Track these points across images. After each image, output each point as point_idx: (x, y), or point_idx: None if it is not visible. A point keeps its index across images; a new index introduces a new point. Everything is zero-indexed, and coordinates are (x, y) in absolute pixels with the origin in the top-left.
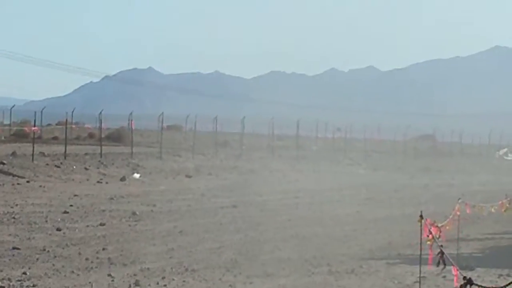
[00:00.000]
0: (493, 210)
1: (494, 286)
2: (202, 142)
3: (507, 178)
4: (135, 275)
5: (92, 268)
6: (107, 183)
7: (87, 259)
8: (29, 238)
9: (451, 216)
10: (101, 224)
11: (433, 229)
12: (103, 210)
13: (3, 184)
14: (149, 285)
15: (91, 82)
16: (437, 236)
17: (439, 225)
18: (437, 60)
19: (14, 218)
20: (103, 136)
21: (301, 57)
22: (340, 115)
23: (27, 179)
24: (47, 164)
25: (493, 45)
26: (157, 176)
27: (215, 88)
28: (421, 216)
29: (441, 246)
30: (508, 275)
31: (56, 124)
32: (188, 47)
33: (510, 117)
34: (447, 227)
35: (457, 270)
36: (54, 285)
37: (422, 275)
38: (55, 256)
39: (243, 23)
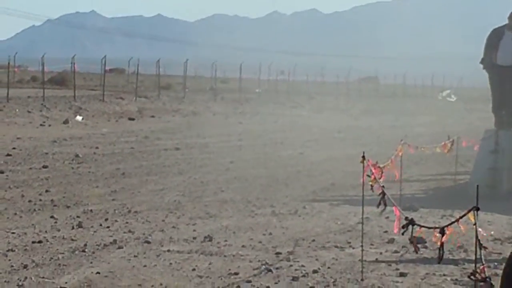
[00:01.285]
0: (434, 151)
1: (436, 226)
2: (145, 85)
3: (450, 119)
4: (78, 217)
5: (35, 210)
6: (50, 126)
7: (30, 201)
8: None
9: (393, 157)
10: (44, 167)
11: (375, 170)
12: (46, 153)
13: None
14: (92, 226)
15: (33, 26)
16: (379, 177)
17: (381, 166)
18: (380, 2)
19: None
20: (45, 79)
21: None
22: (283, 58)
23: None
24: None
25: None
26: (100, 119)
27: (158, 31)
28: (363, 157)
29: (383, 187)
30: (451, 215)
31: None
32: None
33: (453, 59)
34: (389, 168)
35: (399, 210)
36: None
37: (365, 215)
38: None
39: None
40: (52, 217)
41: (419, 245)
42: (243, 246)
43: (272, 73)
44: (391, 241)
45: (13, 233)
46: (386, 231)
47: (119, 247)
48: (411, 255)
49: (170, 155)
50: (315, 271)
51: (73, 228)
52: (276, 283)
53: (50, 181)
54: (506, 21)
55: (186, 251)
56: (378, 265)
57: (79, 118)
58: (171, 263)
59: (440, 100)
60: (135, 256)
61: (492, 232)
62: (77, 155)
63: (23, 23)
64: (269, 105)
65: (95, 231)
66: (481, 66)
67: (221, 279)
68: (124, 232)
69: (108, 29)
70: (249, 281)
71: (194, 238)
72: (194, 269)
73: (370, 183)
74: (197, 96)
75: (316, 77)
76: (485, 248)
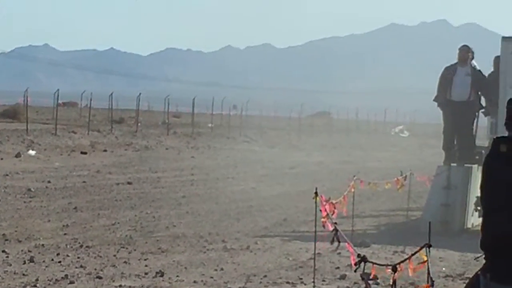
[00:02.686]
0: (386, 187)
1: (388, 263)
2: (97, 119)
3: (403, 155)
4: (29, 251)
5: None
6: (1, 159)
7: None
8: None
9: (345, 193)
10: None
11: (327, 206)
12: None
13: None
14: (44, 261)
15: None
16: (331, 213)
17: (334, 201)
18: (334, 37)
19: None
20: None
21: (197, 34)
22: (236, 92)
23: None
24: None
25: (388, 23)
26: (52, 153)
27: (111, 65)
28: (316, 193)
29: (335, 223)
30: (402, 252)
31: None
32: (84, 24)
33: (406, 95)
34: (342, 204)
35: (351, 247)
36: None
37: (317, 251)
38: None
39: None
40: (3, 251)
41: (370, 282)
42: (194, 281)
43: (225, 108)
44: (343, 277)
45: None
46: (338, 267)
47: (71, 282)
48: None
49: (122, 190)
50: None
51: (24, 263)
52: None
53: (2, 215)
54: (456, 56)
55: (138, 286)
56: None
57: (32, 152)
58: None
59: (393, 136)
60: None
61: (444, 269)
62: (29, 189)
63: None
64: (221, 139)
65: (46, 266)
66: (435, 103)
67: None
68: (76, 267)
69: (61, 62)
70: None
71: (146, 273)
72: None
73: (322, 219)
74: (150, 130)
75: (269, 112)
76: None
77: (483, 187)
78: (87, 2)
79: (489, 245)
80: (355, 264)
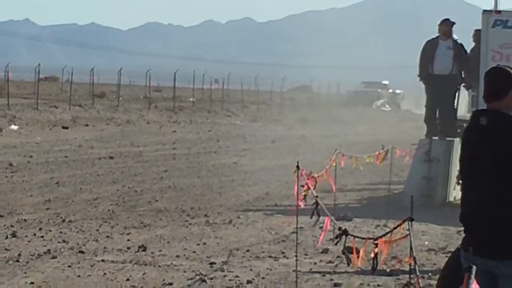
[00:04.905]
0: (368, 161)
1: (370, 237)
2: (78, 93)
3: (384, 129)
4: (12, 226)
5: None
6: None
7: None
8: None
9: (327, 167)
10: None
11: (309, 180)
12: None
13: None
14: (26, 236)
15: None
16: (313, 187)
17: (315, 175)
18: (313, 11)
19: None
20: None
21: (177, 8)
22: (217, 67)
23: None
24: None
25: None
26: (34, 128)
27: (91, 39)
28: (297, 167)
29: (316, 197)
30: (385, 225)
31: None
32: None
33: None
34: (324, 178)
35: (331, 220)
36: None
37: (299, 226)
38: None
39: None
40: None
41: (351, 256)
42: (177, 256)
43: (206, 82)
44: (325, 251)
45: None
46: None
47: (53, 257)
48: (346, 265)
49: (104, 164)
50: (249, 282)
51: (7, 237)
52: None
53: None
54: (437, 30)
55: (120, 261)
56: (313, 276)
57: (14, 127)
58: (105, 273)
59: (374, 110)
60: (69, 266)
61: (426, 242)
62: (11, 164)
63: None
64: (203, 114)
65: (29, 241)
66: (418, 78)
67: None
68: (58, 242)
69: (42, 37)
70: None
71: (128, 248)
72: (128, 279)
73: (304, 193)
74: (131, 105)
75: (250, 86)
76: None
77: (461, 160)
78: None
79: (467, 217)
80: (336, 237)
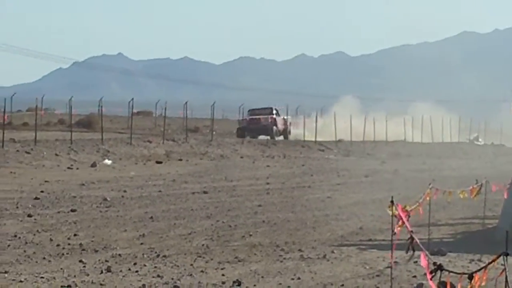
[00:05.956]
0: (461, 196)
1: (465, 272)
2: (172, 128)
3: (477, 163)
4: (106, 261)
5: (63, 254)
6: (77, 169)
7: (58, 245)
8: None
9: (421, 201)
10: (72, 210)
11: (403, 215)
12: (74, 196)
13: None
14: (121, 271)
15: (60, 68)
16: (407, 222)
17: (409, 209)
18: (405, 46)
19: None
20: (73, 122)
21: (270, 42)
22: (310, 101)
23: None
24: (17, 151)
25: (461, 31)
26: (128, 162)
27: (184, 73)
28: (391, 202)
29: (411, 231)
30: (479, 260)
31: (26, 111)
32: (158, 33)
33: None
34: (420, 211)
35: (426, 256)
36: (26, 271)
37: (394, 260)
38: (26, 243)
39: (212, 9)
40: (80, 261)
41: None
42: None
43: (299, 116)
44: (420, 286)
45: (42, 277)
46: (414, 276)
47: None
48: None
49: (197, 199)
50: None
51: (101, 272)
52: None
53: (79, 225)
54: None
55: None
56: None
57: (107, 161)
58: None
59: (467, 144)
60: None
61: None
62: (105, 199)
63: (51, 66)
64: (296, 148)
65: (124, 276)
66: (509, 112)
67: None
68: (153, 277)
69: (135, 72)
70: None
71: (223, 282)
72: None
73: (399, 228)
74: (225, 139)
75: (343, 119)
76: None
77: None
78: (161, 12)
79: None
80: (431, 272)
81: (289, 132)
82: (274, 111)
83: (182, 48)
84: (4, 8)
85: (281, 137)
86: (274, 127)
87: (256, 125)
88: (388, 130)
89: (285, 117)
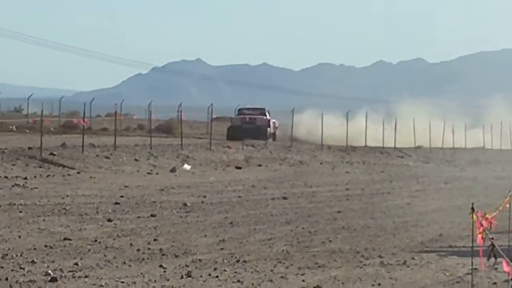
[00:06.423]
0: None
1: None
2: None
3: None
4: (187, 266)
5: (143, 259)
6: (157, 174)
7: (138, 250)
8: (80, 229)
9: (501, 208)
10: (152, 215)
11: (484, 221)
12: (154, 201)
13: (54, 175)
14: (201, 276)
15: (139, 73)
16: (488, 228)
17: (490, 216)
18: (485, 52)
19: (65, 209)
20: (152, 127)
21: (349, 49)
22: (388, 107)
23: (77, 170)
24: (97, 155)
25: None
26: (207, 168)
27: (263, 80)
28: (472, 208)
29: (492, 238)
30: None
31: (106, 116)
32: (237, 39)
33: None
34: (497, 218)
35: (508, 263)
36: (106, 275)
37: (474, 267)
38: (106, 247)
39: (291, 15)
40: (161, 266)
41: None
42: None
43: (378, 122)
44: None
45: (122, 282)
46: (495, 283)
47: None
48: None
49: (277, 204)
50: None
51: (182, 277)
52: None
53: (159, 230)
54: None
55: None
56: None
57: (187, 166)
58: None
59: None
60: None
61: None
62: (185, 204)
63: (130, 71)
64: (375, 154)
65: (204, 281)
66: None
67: None
68: (233, 282)
69: (213, 77)
70: None
71: None
72: None
73: (479, 234)
74: (304, 145)
75: (422, 126)
76: None
77: None
78: (240, 19)
79: None
80: None
81: (275, 135)
82: (267, 112)
83: (261, 54)
84: (85, 14)
85: (270, 140)
86: (268, 129)
87: (251, 125)
88: (467, 136)
89: (273, 120)
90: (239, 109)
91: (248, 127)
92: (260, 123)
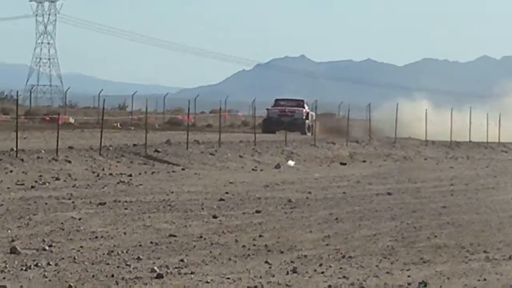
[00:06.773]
0: None
1: None
2: (355, 129)
3: None
4: (292, 262)
5: (249, 255)
6: (261, 170)
7: (243, 246)
8: (185, 226)
9: None
10: (257, 212)
11: None
12: (259, 198)
13: (159, 172)
14: (307, 272)
15: (243, 70)
16: None
17: None
18: None
19: (170, 205)
20: (256, 123)
21: (453, 43)
22: (493, 102)
23: (182, 167)
24: (202, 152)
25: None
26: (311, 164)
27: (367, 75)
28: None
29: None
30: None
31: (210, 112)
32: (341, 35)
33: None
34: None
35: None
36: (212, 272)
37: None
38: (211, 244)
39: (393, 9)
40: (266, 262)
41: None
42: None
43: (482, 118)
44: None
45: (228, 278)
46: None
47: None
48: None
49: (382, 200)
50: None
51: (287, 273)
52: None
53: (264, 226)
54: None
55: None
56: None
57: (291, 162)
58: None
59: None
60: None
61: None
62: (289, 200)
63: (234, 68)
64: (479, 149)
65: (309, 277)
66: None
67: None
68: (339, 278)
69: (317, 73)
70: None
71: (409, 284)
72: None
73: None
74: (408, 141)
75: None
76: None
77: None
78: (343, 14)
79: None
80: None
81: (313, 128)
82: (305, 104)
83: (365, 50)
84: (188, 14)
85: (309, 134)
86: (307, 121)
87: (289, 118)
88: None
89: (312, 113)
90: (276, 100)
91: (285, 120)
92: (298, 116)
